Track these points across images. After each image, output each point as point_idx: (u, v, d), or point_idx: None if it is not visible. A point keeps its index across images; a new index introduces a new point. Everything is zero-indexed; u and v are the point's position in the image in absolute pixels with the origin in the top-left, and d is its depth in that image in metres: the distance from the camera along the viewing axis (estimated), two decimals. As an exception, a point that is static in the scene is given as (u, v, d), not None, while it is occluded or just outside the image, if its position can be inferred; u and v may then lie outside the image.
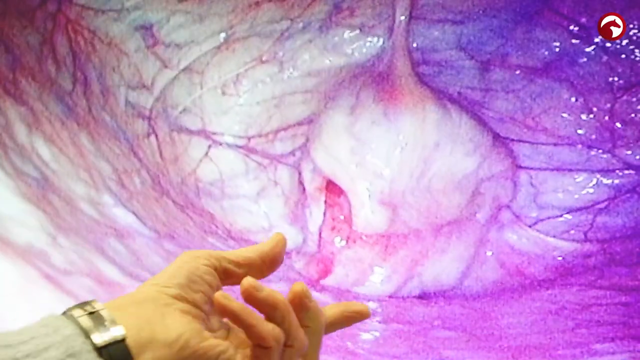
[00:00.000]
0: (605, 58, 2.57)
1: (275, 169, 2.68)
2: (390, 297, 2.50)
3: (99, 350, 0.61)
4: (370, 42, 2.71)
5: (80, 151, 2.26)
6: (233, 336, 0.71)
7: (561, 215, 2.54)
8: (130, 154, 2.46)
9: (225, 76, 2.70)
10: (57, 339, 0.60)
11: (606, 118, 2.56)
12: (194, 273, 0.70)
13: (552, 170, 2.59)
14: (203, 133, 2.66)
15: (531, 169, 2.60)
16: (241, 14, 2.69)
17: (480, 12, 2.65)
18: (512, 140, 2.63)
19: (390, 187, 2.60)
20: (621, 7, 2.49)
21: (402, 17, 2.65)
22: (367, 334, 2.18)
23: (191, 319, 0.68)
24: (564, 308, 2.22)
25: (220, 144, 2.67)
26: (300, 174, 2.69)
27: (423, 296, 2.50)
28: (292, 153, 2.70)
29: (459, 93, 2.67)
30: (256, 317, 0.68)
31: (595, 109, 2.57)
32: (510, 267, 2.50)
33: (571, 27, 2.58)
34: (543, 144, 2.61)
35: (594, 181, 2.54)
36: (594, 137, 2.56)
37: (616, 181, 2.53)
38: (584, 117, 2.58)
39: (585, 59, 2.58)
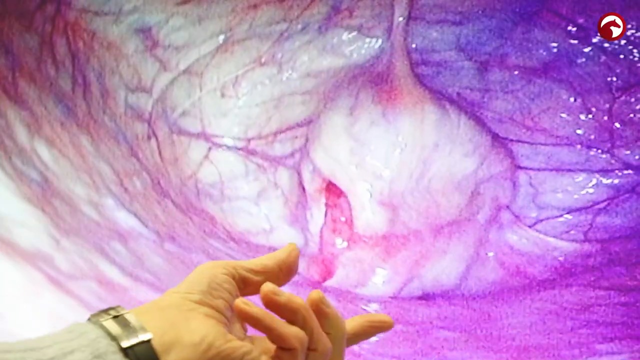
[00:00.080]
0: (603, 58, 2.57)
1: (275, 171, 2.68)
2: (391, 297, 2.50)
3: (125, 351, 0.62)
4: (369, 43, 2.71)
5: (81, 153, 2.26)
6: (257, 344, 0.72)
7: (561, 216, 2.55)
8: (130, 156, 2.46)
9: (225, 78, 2.70)
10: (83, 342, 0.61)
11: (605, 118, 2.56)
12: (214, 280, 0.71)
13: (552, 170, 2.59)
14: (203, 135, 2.66)
15: (530, 169, 2.61)
16: (240, 16, 2.69)
17: (479, 12, 2.66)
18: (511, 140, 2.64)
19: (390, 188, 2.60)
20: (619, 7, 2.49)
21: (401, 18, 2.65)
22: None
23: (215, 322, 0.69)
24: (564, 308, 2.22)
25: (220, 146, 2.67)
26: (300, 175, 2.69)
27: (424, 297, 2.51)
28: (292, 154, 2.70)
29: (458, 94, 2.67)
30: (277, 320, 0.69)
31: (594, 109, 2.57)
32: (511, 267, 2.51)
33: (569, 28, 2.59)
34: (542, 144, 2.61)
35: (594, 181, 2.55)
36: (593, 137, 2.57)
37: (615, 181, 2.53)
38: (582, 117, 2.59)
39: (583, 60, 2.59)
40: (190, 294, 0.69)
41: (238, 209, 2.61)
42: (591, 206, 2.53)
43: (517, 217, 2.57)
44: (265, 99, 2.71)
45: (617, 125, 2.55)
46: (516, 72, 2.64)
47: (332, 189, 2.67)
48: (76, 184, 2.14)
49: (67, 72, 2.46)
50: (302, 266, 2.53)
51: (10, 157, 2.03)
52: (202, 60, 2.68)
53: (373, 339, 2.17)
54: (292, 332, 0.69)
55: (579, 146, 2.58)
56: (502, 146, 2.63)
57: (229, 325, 0.71)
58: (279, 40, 2.71)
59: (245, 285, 0.74)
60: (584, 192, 2.55)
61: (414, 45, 2.68)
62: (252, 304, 0.69)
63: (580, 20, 2.57)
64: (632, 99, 2.55)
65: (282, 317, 0.70)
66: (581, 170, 2.57)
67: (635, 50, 2.55)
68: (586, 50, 2.58)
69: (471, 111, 2.64)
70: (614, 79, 2.56)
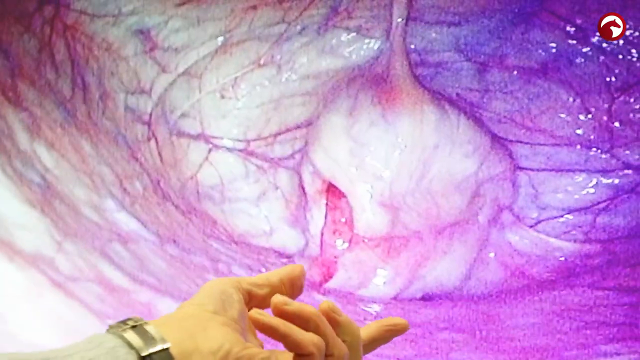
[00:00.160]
0: (602, 58, 2.58)
1: (275, 172, 2.68)
2: (392, 299, 2.50)
3: (144, 359, 0.63)
4: (368, 44, 2.71)
5: (81, 155, 2.26)
6: (274, 357, 0.72)
7: (562, 216, 2.55)
8: (130, 159, 2.46)
9: (224, 80, 2.70)
10: (101, 351, 0.62)
11: (604, 118, 2.57)
12: (224, 293, 0.72)
13: (552, 170, 2.59)
14: (202, 137, 2.66)
15: (530, 169, 2.61)
16: (238, 18, 2.69)
17: (478, 13, 2.66)
18: (511, 141, 2.64)
19: (391, 190, 2.60)
20: (617, 7, 2.50)
21: (399, 19, 2.65)
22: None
23: (231, 330, 0.69)
24: (566, 309, 2.23)
25: (220, 148, 2.67)
26: (300, 176, 2.69)
27: (425, 298, 2.51)
28: (292, 156, 2.70)
29: (457, 94, 2.67)
30: (293, 327, 0.69)
31: (593, 110, 2.58)
32: (513, 268, 2.51)
33: (568, 28, 2.59)
34: (542, 144, 2.61)
35: (594, 181, 2.55)
36: (592, 137, 2.57)
37: (616, 181, 2.54)
38: (582, 117, 2.59)
39: (582, 60, 2.59)
40: (205, 305, 0.70)
41: (238, 210, 2.61)
42: (592, 206, 2.53)
43: (517, 217, 2.58)
44: (264, 100, 2.71)
45: (617, 125, 2.56)
46: (515, 73, 2.65)
47: (332, 190, 2.67)
48: (76, 186, 2.14)
49: (66, 74, 2.46)
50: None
51: (10, 160, 2.02)
52: (201, 62, 2.68)
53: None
54: (309, 337, 0.69)
55: (578, 146, 2.59)
56: (502, 147, 2.63)
57: (245, 335, 0.72)
58: (278, 42, 2.71)
59: (250, 298, 0.75)
60: (584, 192, 2.55)
61: (412, 46, 2.68)
62: (267, 313, 0.70)
63: (579, 21, 2.58)
64: (632, 99, 2.56)
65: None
66: (581, 171, 2.57)
67: (633, 50, 2.55)
68: (585, 50, 2.59)
69: (470, 112, 2.64)
70: (613, 79, 2.57)
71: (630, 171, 2.54)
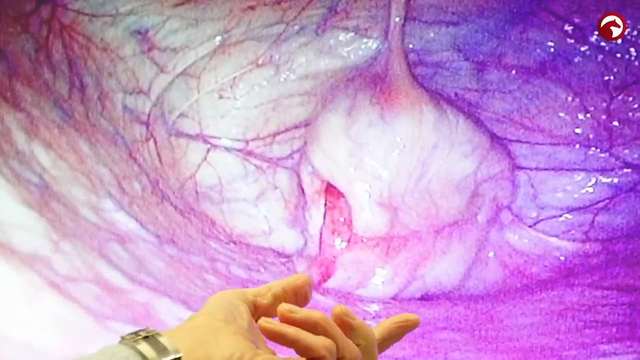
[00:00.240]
0: (600, 57, 2.58)
1: (274, 172, 2.67)
2: (392, 299, 2.50)
3: None
4: (366, 44, 2.71)
5: (80, 157, 2.26)
6: None
7: (561, 215, 2.54)
8: (129, 159, 2.46)
9: (222, 80, 2.70)
10: None
11: (603, 117, 2.56)
12: (231, 303, 0.73)
13: (551, 170, 2.59)
14: (201, 137, 2.66)
15: (529, 169, 2.61)
16: (236, 18, 2.69)
17: (476, 13, 2.66)
18: (510, 140, 2.64)
19: (390, 190, 2.60)
20: (616, 6, 2.50)
21: (397, 19, 2.65)
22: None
23: (242, 337, 0.69)
24: (566, 308, 2.22)
25: (219, 148, 2.66)
26: (299, 176, 2.68)
27: (425, 298, 2.50)
28: (291, 156, 2.70)
29: (456, 94, 2.67)
30: (302, 332, 0.69)
31: (592, 109, 2.58)
32: (512, 267, 2.51)
33: (566, 27, 2.59)
34: (541, 144, 2.61)
35: (593, 180, 2.55)
36: (591, 136, 2.57)
37: (615, 180, 2.53)
38: (580, 116, 2.59)
39: (580, 59, 2.59)
40: (215, 314, 0.71)
41: (237, 210, 2.61)
42: (591, 206, 2.53)
43: (517, 217, 2.57)
44: (263, 100, 2.71)
45: (616, 124, 2.55)
46: (514, 72, 2.64)
47: (331, 190, 2.67)
48: (74, 187, 2.14)
49: (64, 74, 2.45)
50: (302, 268, 2.53)
51: (8, 161, 2.02)
52: (199, 62, 2.68)
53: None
54: (319, 341, 0.69)
55: (577, 145, 2.58)
56: (501, 146, 2.63)
57: (256, 344, 0.72)
58: (276, 42, 2.71)
59: (255, 309, 0.76)
60: (583, 191, 2.55)
61: (411, 46, 2.68)
62: (275, 321, 0.70)
63: (577, 20, 2.58)
64: (630, 98, 2.56)
65: None
66: (580, 170, 2.57)
67: (632, 49, 2.55)
68: (583, 49, 2.59)
69: (469, 111, 2.64)
70: (612, 77, 2.57)
71: (629, 170, 2.54)
